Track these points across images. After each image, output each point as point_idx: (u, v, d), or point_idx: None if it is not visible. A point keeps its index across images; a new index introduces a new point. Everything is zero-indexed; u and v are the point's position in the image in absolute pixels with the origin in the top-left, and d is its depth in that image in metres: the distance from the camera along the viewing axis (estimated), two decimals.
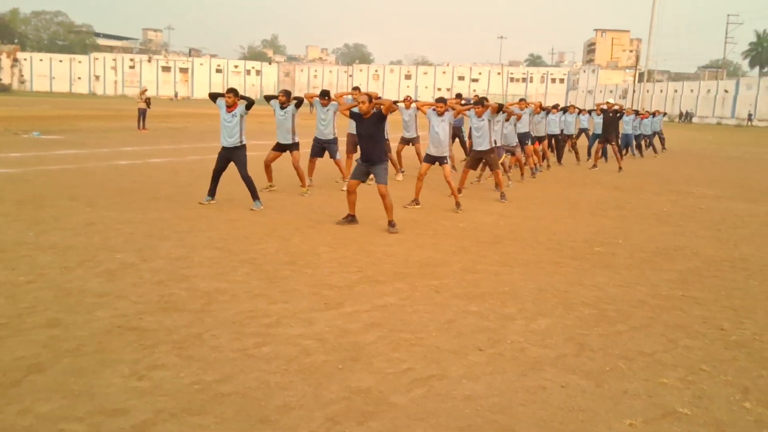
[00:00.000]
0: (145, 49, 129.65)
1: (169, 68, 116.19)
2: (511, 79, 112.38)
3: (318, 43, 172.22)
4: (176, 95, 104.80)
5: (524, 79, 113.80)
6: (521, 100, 15.09)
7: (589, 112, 20.60)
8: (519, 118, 13.57)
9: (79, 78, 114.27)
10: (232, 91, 9.67)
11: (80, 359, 4.12)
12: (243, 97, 9.77)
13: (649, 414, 3.70)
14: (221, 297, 5.49)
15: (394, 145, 14.39)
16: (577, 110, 20.00)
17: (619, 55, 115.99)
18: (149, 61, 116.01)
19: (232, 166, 9.71)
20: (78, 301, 5.24)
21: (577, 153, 19.68)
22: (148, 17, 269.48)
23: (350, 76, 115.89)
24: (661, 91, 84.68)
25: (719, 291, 6.27)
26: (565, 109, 18.75)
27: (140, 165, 14.91)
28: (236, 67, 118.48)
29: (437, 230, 8.69)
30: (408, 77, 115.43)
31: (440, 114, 10.24)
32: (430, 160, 10.38)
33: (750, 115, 68.05)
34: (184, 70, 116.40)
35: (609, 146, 18.46)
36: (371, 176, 9.07)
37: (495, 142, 11.48)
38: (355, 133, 12.61)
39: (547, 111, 17.15)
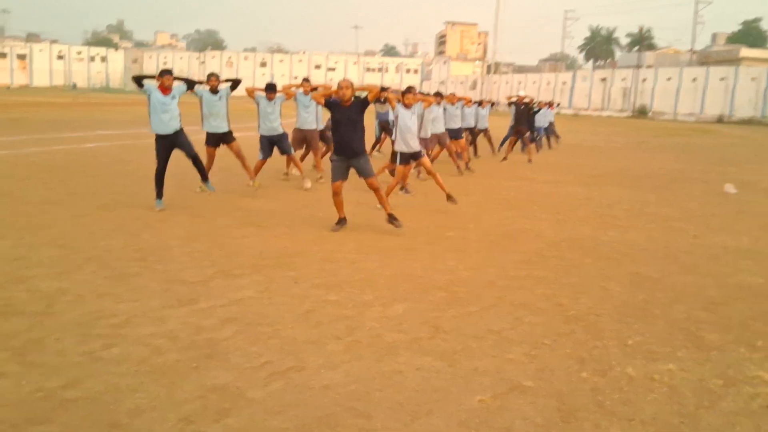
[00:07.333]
0: None
1: (4, 54, 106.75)
2: (367, 69, 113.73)
3: (168, 29, 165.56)
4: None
5: (380, 69, 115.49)
6: (452, 94, 15.72)
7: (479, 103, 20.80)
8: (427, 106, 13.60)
9: None
10: (168, 72, 8.73)
11: None
12: (180, 78, 9.04)
13: (497, 389, 3.91)
14: (64, 298, 5.18)
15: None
16: (489, 104, 20.32)
17: (468, 47, 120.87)
18: None
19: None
20: None
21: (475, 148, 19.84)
22: None
23: (202, 63, 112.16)
24: (507, 82, 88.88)
25: (559, 270, 6.72)
26: (480, 103, 19.17)
27: None
28: (79, 53, 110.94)
29: (294, 220, 8.66)
30: (263, 65, 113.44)
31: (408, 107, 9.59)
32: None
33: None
34: (21, 57, 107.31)
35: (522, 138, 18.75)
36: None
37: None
38: (302, 128, 12.08)
39: (478, 104, 18.32)
